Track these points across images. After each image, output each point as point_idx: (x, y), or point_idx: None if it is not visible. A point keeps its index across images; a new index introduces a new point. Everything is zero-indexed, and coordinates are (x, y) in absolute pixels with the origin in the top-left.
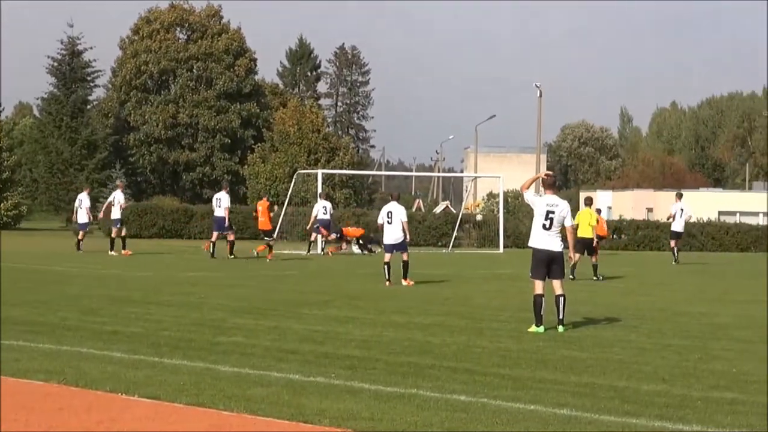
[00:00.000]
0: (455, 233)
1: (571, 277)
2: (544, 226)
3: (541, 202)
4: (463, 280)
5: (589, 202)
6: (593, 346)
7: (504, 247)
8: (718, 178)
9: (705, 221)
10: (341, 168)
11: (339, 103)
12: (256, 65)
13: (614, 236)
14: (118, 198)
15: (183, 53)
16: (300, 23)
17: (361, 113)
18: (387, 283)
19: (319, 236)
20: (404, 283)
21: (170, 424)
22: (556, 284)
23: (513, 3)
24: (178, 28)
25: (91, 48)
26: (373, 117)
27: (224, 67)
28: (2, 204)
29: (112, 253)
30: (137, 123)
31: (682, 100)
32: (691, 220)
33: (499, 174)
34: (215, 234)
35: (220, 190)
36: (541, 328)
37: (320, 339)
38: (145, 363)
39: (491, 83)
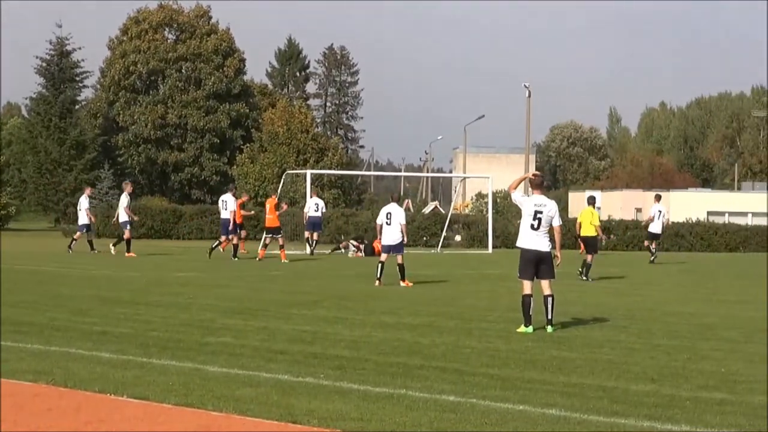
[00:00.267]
0: (444, 233)
1: (584, 278)
2: (532, 226)
3: (529, 202)
4: (452, 280)
5: (591, 201)
6: (582, 347)
7: (493, 247)
8: (707, 178)
9: (694, 221)
10: (330, 168)
11: (328, 104)
12: (244, 65)
13: (610, 236)
14: (122, 201)
15: (172, 53)
16: (289, 23)
17: (350, 113)
18: (377, 282)
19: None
20: (402, 284)
21: (159, 424)
22: (545, 284)
23: (503, 3)
24: (167, 29)
25: (80, 48)
26: (362, 117)
27: (213, 67)
28: None
29: (130, 254)
30: (126, 123)
31: (671, 100)
32: (668, 223)
33: (488, 174)
34: (224, 237)
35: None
36: (530, 329)
37: (309, 339)
38: (133, 363)
39: (480, 83)
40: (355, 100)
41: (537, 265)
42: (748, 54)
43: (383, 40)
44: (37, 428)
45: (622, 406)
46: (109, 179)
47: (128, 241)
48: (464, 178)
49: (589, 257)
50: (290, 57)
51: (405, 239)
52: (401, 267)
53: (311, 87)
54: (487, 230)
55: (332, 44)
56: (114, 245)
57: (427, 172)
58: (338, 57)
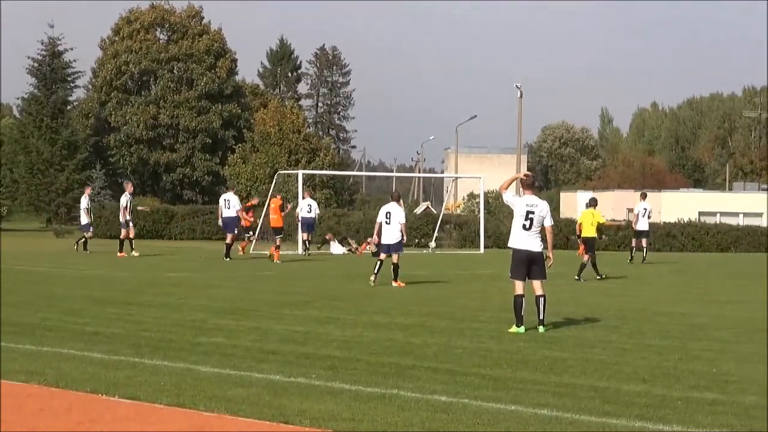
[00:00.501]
0: (436, 233)
1: (598, 276)
2: (524, 226)
3: (520, 202)
4: (444, 280)
5: (593, 203)
6: (574, 347)
7: (485, 247)
8: (699, 178)
9: (685, 222)
10: (322, 168)
11: (320, 104)
12: (236, 66)
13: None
14: (122, 201)
15: (164, 54)
16: (281, 24)
17: (341, 114)
18: (372, 277)
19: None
20: (394, 284)
21: (150, 424)
22: (537, 285)
23: (494, 3)
24: (159, 29)
25: (72, 49)
26: (353, 117)
27: (205, 67)
28: None
29: (134, 253)
30: (118, 123)
31: (662, 100)
32: (651, 220)
33: (480, 174)
34: (230, 236)
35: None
36: (522, 329)
37: (301, 339)
38: (125, 364)
39: (472, 84)
40: (346, 101)
41: (529, 265)
42: (740, 54)
43: (375, 40)
44: (28, 428)
45: (614, 407)
46: (101, 179)
47: (122, 242)
48: (456, 178)
49: (585, 257)
50: (282, 57)
51: (405, 239)
52: (396, 267)
53: (303, 87)
54: (478, 230)
55: (324, 44)
56: (132, 250)
57: (419, 172)
58: (330, 57)
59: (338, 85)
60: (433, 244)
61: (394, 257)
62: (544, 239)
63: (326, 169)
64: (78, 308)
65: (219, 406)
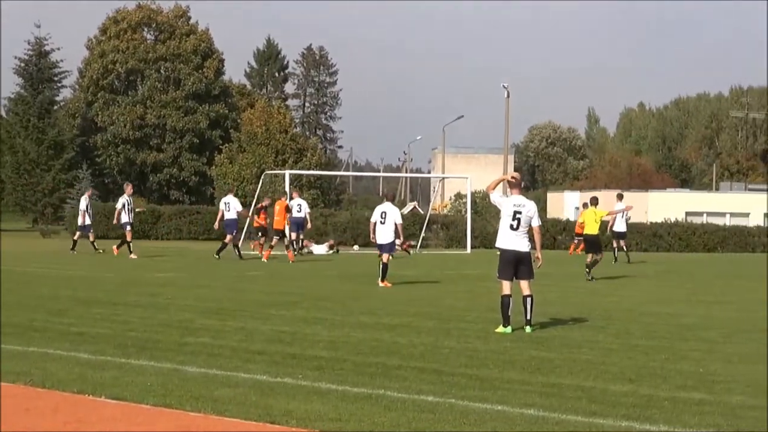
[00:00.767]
0: (422, 234)
1: (588, 278)
2: (511, 226)
3: (508, 202)
4: (431, 280)
5: (594, 201)
6: (561, 347)
7: (471, 247)
8: (685, 178)
9: (672, 222)
10: (309, 169)
11: (307, 104)
12: (223, 66)
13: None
14: (120, 202)
15: (151, 54)
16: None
17: (328, 114)
18: (382, 283)
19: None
20: (381, 284)
21: (137, 424)
22: (524, 285)
23: (481, 3)
24: (146, 29)
25: (59, 48)
26: (340, 117)
27: (192, 67)
28: None
29: (132, 256)
30: (104, 123)
31: (649, 100)
32: (630, 221)
33: (467, 174)
34: (229, 237)
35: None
36: (509, 329)
37: (288, 340)
38: (112, 364)
39: (459, 84)
40: (333, 101)
41: (516, 265)
42: (727, 55)
43: (362, 40)
44: (14, 429)
45: (601, 406)
46: (87, 180)
47: (123, 240)
48: (443, 178)
49: (589, 257)
50: (269, 57)
51: (401, 238)
52: (385, 267)
53: (290, 87)
54: (465, 230)
55: (311, 44)
56: (131, 253)
57: (406, 172)
58: (317, 57)
59: (325, 84)
60: (415, 251)
61: (384, 257)
62: (531, 239)
63: (313, 169)
64: (64, 308)
65: (205, 407)
